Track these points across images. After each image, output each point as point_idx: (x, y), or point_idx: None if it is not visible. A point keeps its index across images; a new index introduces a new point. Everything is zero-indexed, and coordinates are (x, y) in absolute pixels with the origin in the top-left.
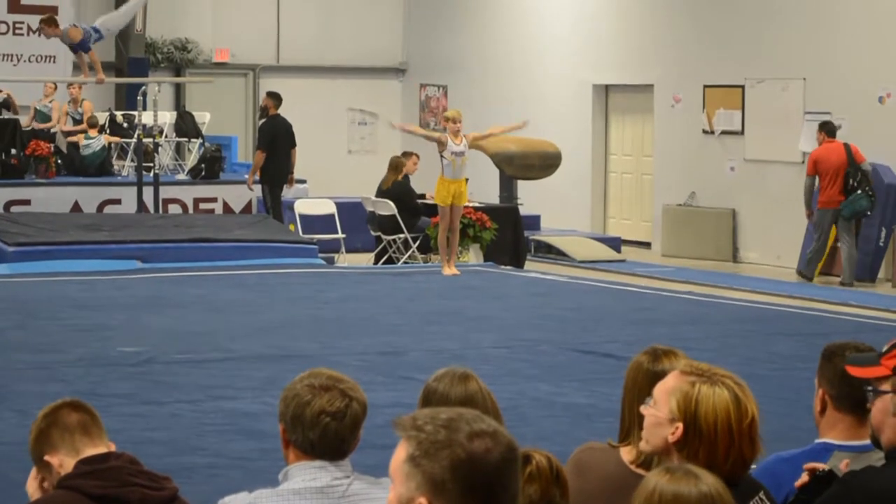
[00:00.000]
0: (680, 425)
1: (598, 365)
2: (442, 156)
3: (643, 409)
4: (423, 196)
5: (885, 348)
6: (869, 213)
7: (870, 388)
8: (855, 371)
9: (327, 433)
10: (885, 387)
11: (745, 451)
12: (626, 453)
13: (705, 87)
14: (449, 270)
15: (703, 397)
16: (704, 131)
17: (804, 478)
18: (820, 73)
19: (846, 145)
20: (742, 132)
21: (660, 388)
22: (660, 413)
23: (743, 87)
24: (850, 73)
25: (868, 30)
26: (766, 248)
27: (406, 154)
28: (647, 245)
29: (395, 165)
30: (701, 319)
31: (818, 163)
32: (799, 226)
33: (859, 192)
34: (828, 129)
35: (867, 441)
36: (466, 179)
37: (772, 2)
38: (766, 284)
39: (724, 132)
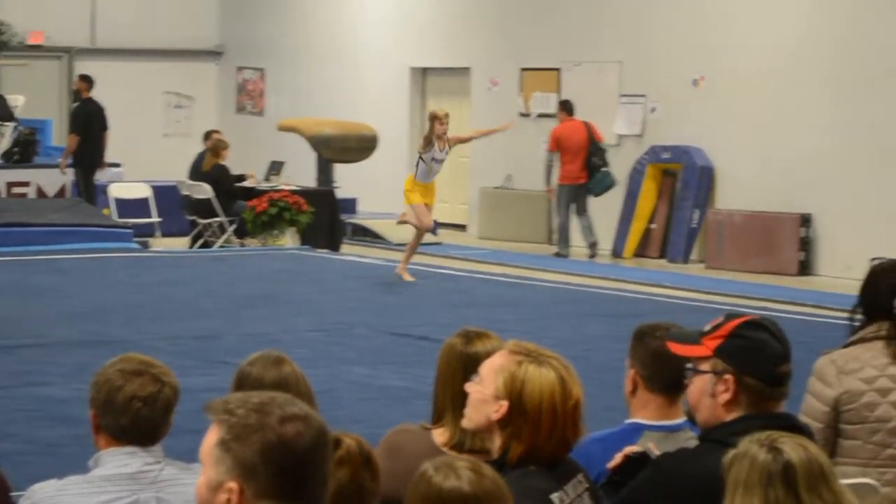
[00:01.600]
0: (505, 403)
1: (413, 348)
2: (421, 157)
3: (468, 386)
4: (241, 178)
5: (706, 328)
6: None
7: (689, 366)
8: (676, 348)
9: (139, 418)
10: (705, 367)
11: (567, 433)
12: (439, 435)
13: (522, 69)
14: (407, 276)
15: (529, 377)
16: (521, 114)
17: (617, 459)
18: (635, 56)
19: (586, 124)
20: (557, 115)
21: (487, 366)
22: (485, 390)
23: (559, 70)
24: (664, 57)
25: (683, 14)
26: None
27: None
28: (463, 228)
29: (215, 148)
30: (516, 301)
31: (560, 140)
32: (613, 207)
33: (604, 168)
34: (567, 108)
35: (677, 421)
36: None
37: None
38: (580, 266)
39: (540, 115)
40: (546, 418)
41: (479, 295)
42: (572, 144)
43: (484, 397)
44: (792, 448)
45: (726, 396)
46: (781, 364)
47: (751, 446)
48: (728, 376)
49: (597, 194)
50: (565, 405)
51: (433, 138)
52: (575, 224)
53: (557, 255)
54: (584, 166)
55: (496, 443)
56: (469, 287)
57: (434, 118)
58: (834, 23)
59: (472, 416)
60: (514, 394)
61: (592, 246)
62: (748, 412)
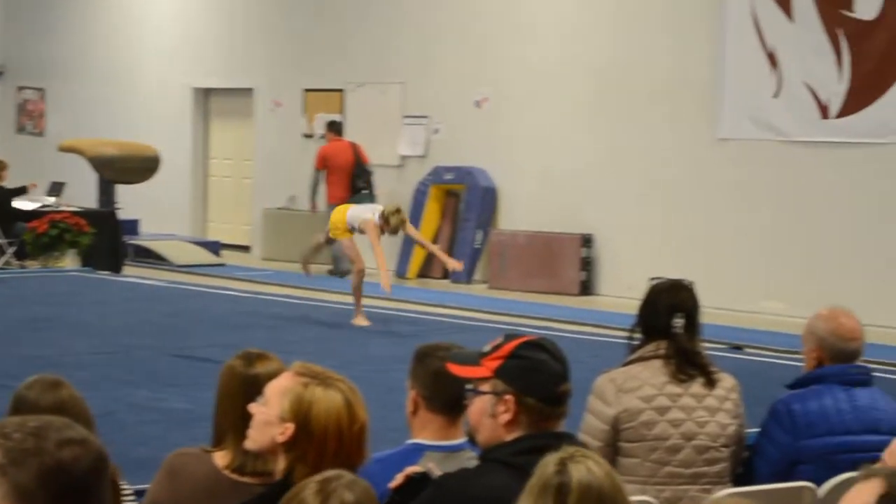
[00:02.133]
0: (291, 426)
1: (196, 370)
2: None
3: (252, 408)
4: (23, 190)
5: (486, 348)
6: None
7: (469, 387)
8: (456, 370)
9: None
10: (485, 388)
11: (352, 457)
12: (220, 458)
13: (305, 90)
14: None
15: (316, 399)
16: (305, 135)
17: (398, 479)
18: (418, 77)
19: (353, 145)
20: (342, 136)
21: (272, 388)
22: (270, 412)
23: (343, 91)
24: (447, 78)
25: (465, 35)
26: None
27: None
28: (246, 249)
29: None
30: (300, 322)
31: (327, 159)
32: None
33: (365, 191)
34: (335, 128)
35: (458, 441)
36: None
37: (371, 7)
38: (364, 287)
39: (324, 136)
40: (332, 441)
41: (263, 315)
42: (339, 165)
43: (269, 419)
44: (579, 469)
45: (507, 417)
46: (561, 384)
47: (551, 458)
48: (508, 397)
49: None
50: (351, 429)
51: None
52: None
53: (332, 273)
54: (348, 187)
55: (280, 465)
56: (253, 308)
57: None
58: (606, 45)
59: (256, 438)
60: (301, 416)
61: (343, 273)
62: (528, 432)
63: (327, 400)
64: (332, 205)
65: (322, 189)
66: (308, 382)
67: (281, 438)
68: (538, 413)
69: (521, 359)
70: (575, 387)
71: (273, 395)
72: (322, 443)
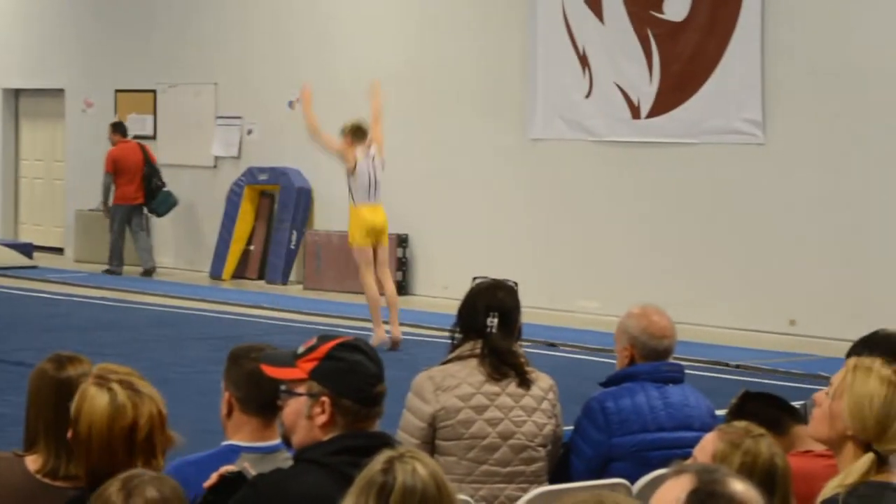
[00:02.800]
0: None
1: (9, 374)
2: (347, 174)
3: None
4: None
5: (300, 350)
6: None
7: (284, 388)
8: (270, 371)
9: None
10: (301, 389)
11: (120, 455)
12: (32, 462)
13: (117, 91)
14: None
15: (86, 399)
16: None
17: (213, 478)
18: (231, 78)
19: (141, 145)
20: (154, 137)
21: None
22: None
23: (155, 91)
24: (260, 79)
25: (277, 36)
26: (179, 253)
27: None
28: (59, 251)
29: None
30: (114, 324)
31: (117, 162)
32: (211, 229)
33: (165, 189)
34: (121, 130)
35: (273, 442)
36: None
37: (183, 7)
38: (179, 289)
39: (136, 137)
40: (96, 441)
41: (77, 318)
42: (129, 166)
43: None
44: (405, 470)
45: (323, 419)
46: (376, 384)
47: (380, 457)
48: (324, 399)
49: (160, 214)
50: (113, 429)
51: (350, 149)
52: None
53: (109, 271)
54: (141, 187)
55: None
56: (67, 311)
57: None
58: (418, 46)
59: None
60: (75, 417)
61: (149, 272)
62: (343, 432)
63: (93, 400)
64: (120, 206)
65: (112, 192)
66: (91, 382)
67: (69, 436)
68: (354, 414)
69: (337, 360)
70: (393, 385)
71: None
72: (87, 442)
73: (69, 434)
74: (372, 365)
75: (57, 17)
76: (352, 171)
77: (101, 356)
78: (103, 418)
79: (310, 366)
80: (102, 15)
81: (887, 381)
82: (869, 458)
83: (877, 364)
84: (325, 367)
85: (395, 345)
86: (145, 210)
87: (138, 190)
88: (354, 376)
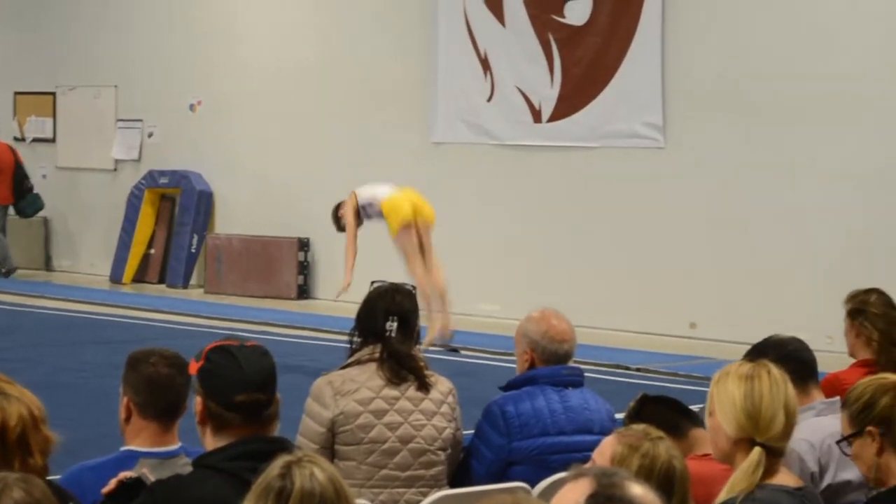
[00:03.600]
0: None
1: None
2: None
3: None
4: None
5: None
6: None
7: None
8: (192, 367)
9: None
10: (197, 387)
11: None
12: None
13: (16, 93)
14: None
15: None
16: (16, 138)
17: (111, 484)
18: (131, 80)
19: (10, 146)
20: (54, 140)
21: None
22: None
23: (55, 94)
24: (160, 81)
25: (177, 38)
26: (79, 256)
27: None
28: None
29: None
30: (12, 329)
31: None
32: (112, 233)
33: (34, 191)
34: None
35: (172, 447)
36: None
37: (82, 9)
38: (79, 292)
39: (35, 140)
40: None
41: None
42: (3, 167)
43: None
44: (302, 474)
45: (197, 418)
46: (243, 392)
47: (279, 461)
48: (198, 398)
49: (28, 215)
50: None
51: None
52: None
53: (6, 273)
54: (11, 188)
55: None
56: None
57: None
58: (319, 48)
59: None
60: None
61: (9, 273)
62: (230, 436)
63: None
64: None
65: None
66: None
67: None
68: (219, 418)
69: (209, 362)
70: (294, 390)
71: None
72: None
73: None
74: (241, 371)
75: None
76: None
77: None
78: None
79: (199, 364)
80: (1, 17)
81: (745, 376)
82: (757, 451)
83: (733, 367)
84: (202, 368)
85: (448, 335)
86: (11, 210)
87: (9, 190)
88: (218, 380)
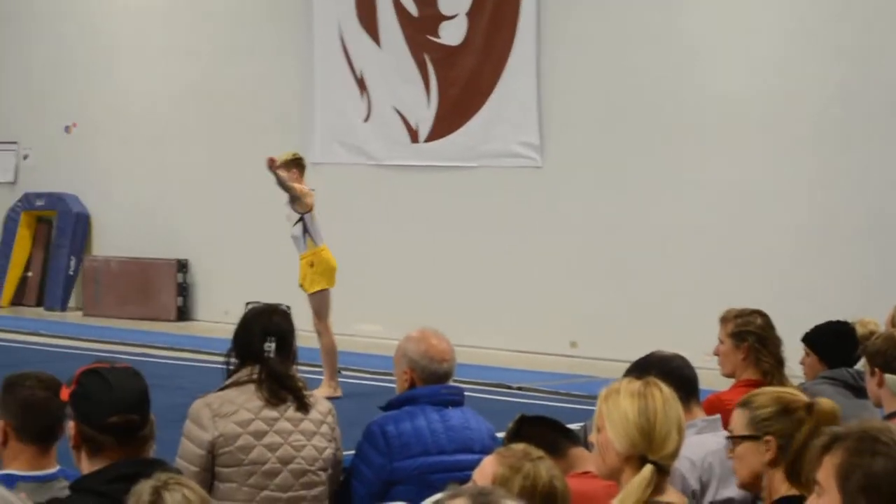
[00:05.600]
0: None
1: None
2: (302, 215)
3: None
4: None
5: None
6: None
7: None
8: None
9: None
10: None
11: None
12: None
13: None
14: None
15: None
16: None
17: None
18: (6, 101)
19: None
20: None
21: None
22: None
23: None
24: (36, 103)
25: (56, 59)
26: None
27: None
28: None
29: None
30: None
31: None
32: None
33: None
34: None
35: (51, 471)
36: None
37: None
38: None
39: None
40: None
41: None
42: None
43: None
44: (174, 498)
45: (70, 442)
46: (115, 414)
47: (145, 486)
48: (72, 422)
49: None
50: None
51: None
52: None
53: None
54: None
55: None
56: None
57: (291, 164)
58: (193, 69)
59: None
60: None
61: None
62: (106, 459)
63: None
64: None
65: None
66: None
67: None
68: (94, 441)
69: (80, 386)
70: (174, 412)
71: None
72: None
73: None
74: (113, 393)
75: None
76: (310, 208)
77: None
78: None
79: (70, 389)
80: None
81: (637, 393)
82: (648, 469)
83: (623, 384)
84: (74, 392)
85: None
86: None
87: None
88: (90, 403)
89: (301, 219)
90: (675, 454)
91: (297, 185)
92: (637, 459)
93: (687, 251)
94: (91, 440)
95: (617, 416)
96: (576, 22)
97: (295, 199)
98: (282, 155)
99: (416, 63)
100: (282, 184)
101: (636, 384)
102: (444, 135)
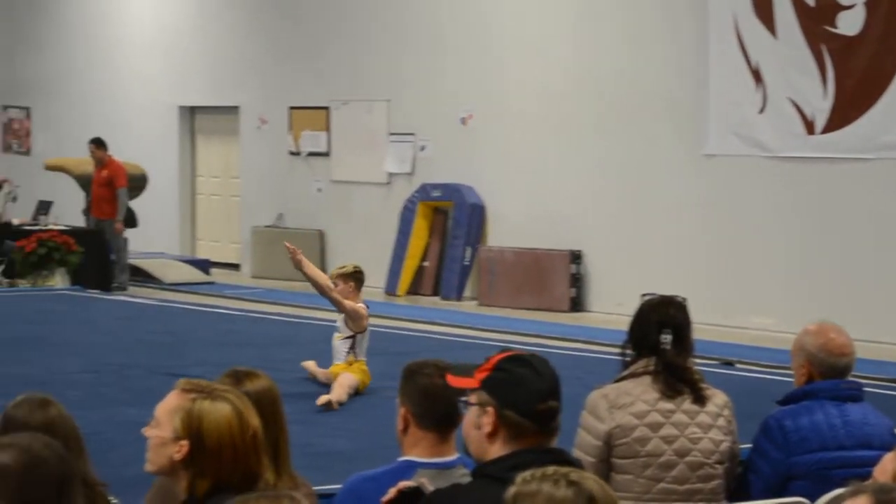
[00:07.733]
0: (185, 443)
1: None
2: (355, 334)
3: (146, 431)
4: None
5: (483, 362)
6: None
7: (463, 399)
8: (452, 380)
9: None
10: (473, 399)
11: (250, 463)
12: None
13: (291, 108)
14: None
15: (205, 413)
16: (291, 153)
17: (391, 493)
18: (403, 94)
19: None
20: (328, 153)
21: (161, 408)
22: (163, 433)
23: (328, 108)
24: (432, 95)
25: (450, 52)
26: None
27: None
28: (236, 267)
29: None
30: (290, 341)
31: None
32: (385, 245)
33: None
34: (105, 146)
35: (450, 458)
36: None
37: (355, 24)
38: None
39: (310, 154)
40: (227, 451)
41: (253, 334)
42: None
43: (163, 440)
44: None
45: (487, 429)
46: (542, 401)
47: (542, 485)
48: (489, 409)
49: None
50: (244, 437)
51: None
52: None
53: (120, 287)
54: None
55: (182, 483)
56: (243, 327)
57: (345, 278)
58: (599, 62)
59: (154, 460)
60: (193, 431)
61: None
62: (519, 446)
63: (216, 412)
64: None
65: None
66: (195, 398)
67: (178, 457)
68: (517, 427)
69: (504, 371)
70: (568, 403)
71: (163, 415)
72: (217, 454)
73: (181, 452)
74: (539, 381)
75: (233, 37)
76: (363, 329)
77: (277, 371)
78: (232, 428)
79: (482, 375)
80: (277, 34)
81: None
82: None
83: None
84: (493, 378)
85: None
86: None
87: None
88: (518, 389)
89: (352, 336)
90: None
91: (349, 303)
92: None
93: None
94: (514, 426)
95: None
96: None
97: (350, 318)
98: (341, 267)
99: (813, 53)
100: (334, 301)
101: None
102: (841, 126)
